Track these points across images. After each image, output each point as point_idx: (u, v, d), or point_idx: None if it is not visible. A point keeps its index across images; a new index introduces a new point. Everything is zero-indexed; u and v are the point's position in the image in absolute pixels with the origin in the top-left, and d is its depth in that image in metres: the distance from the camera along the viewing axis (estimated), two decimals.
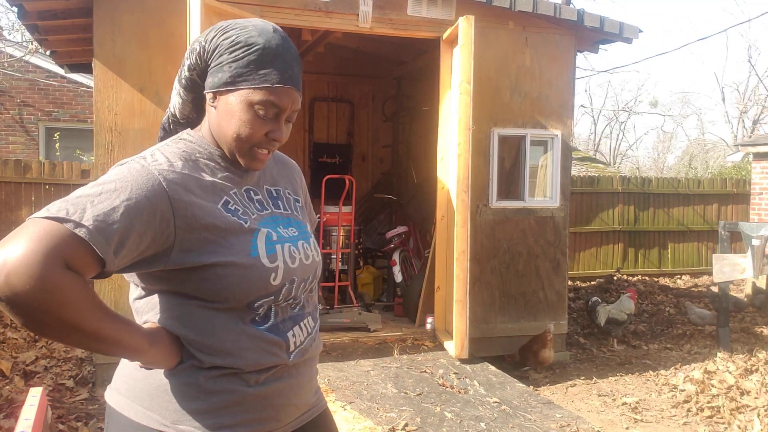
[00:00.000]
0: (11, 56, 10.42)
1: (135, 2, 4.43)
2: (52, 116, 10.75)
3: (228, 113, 1.17)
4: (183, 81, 1.23)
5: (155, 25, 4.47)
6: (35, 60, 10.55)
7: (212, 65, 1.18)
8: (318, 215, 5.54)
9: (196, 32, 3.95)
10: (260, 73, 1.15)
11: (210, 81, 1.18)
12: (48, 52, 6.61)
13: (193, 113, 1.27)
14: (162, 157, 1.14)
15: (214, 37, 1.18)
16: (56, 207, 0.98)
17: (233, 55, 1.16)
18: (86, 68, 6.86)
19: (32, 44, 9.65)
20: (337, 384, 4.00)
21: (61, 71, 8.88)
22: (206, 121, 1.24)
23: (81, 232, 0.96)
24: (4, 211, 6.77)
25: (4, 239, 0.95)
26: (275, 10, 4.61)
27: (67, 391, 4.42)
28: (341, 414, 3.54)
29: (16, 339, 5.50)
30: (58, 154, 10.36)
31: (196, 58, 1.20)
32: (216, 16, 4.11)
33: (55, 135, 10.43)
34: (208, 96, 1.20)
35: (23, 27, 7.97)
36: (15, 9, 4.67)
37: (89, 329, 0.99)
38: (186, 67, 1.21)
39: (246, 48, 1.15)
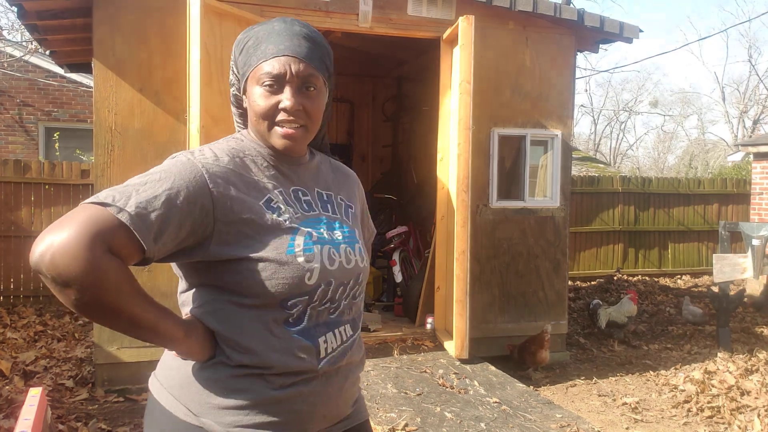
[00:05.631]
0: (11, 56, 10.40)
1: (135, 2, 4.43)
2: (51, 116, 10.74)
3: (250, 101, 1.23)
4: (233, 101, 1.31)
5: (155, 25, 4.46)
6: (35, 60, 10.53)
7: (242, 70, 1.26)
8: None
9: (196, 32, 3.94)
10: (258, 52, 1.21)
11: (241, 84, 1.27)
12: (48, 52, 6.60)
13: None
14: (209, 152, 1.19)
15: (235, 49, 1.27)
16: (104, 194, 1.03)
17: (246, 49, 1.24)
18: (86, 68, 6.85)
19: (32, 44, 9.64)
20: None
21: (60, 71, 8.86)
22: (249, 123, 1.30)
23: (123, 217, 1.01)
24: (4, 211, 6.77)
25: (55, 222, 0.99)
26: (275, 10, 4.61)
27: (66, 392, 4.42)
28: None
29: (16, 339, 5.50)
30: (57, 154, 10.35)
31: (233, 74, 1.28)
32: (216, 16, 4.11)
33: (55, 135, 10.42)
34: (244, 98, 1.26)
35: (23, 27, 7.97)
36: (14, 9, 4.66)
37: (127, 314, 1.03)
38: (235, 87, 1.29)
39: (254, 39, 1.23)
